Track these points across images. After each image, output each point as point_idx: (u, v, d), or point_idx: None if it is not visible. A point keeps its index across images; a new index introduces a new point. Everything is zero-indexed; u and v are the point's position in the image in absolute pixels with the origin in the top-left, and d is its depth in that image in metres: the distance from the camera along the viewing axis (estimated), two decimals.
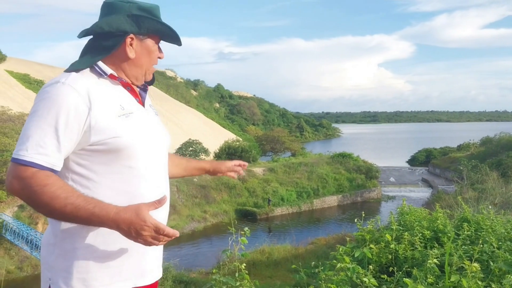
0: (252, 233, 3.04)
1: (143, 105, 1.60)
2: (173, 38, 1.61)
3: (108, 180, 1.41)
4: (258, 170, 37.52)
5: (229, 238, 3.25)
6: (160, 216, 1.48)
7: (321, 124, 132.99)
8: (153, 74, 1.68)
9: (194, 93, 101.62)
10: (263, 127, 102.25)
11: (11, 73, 58.17)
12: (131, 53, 1.52)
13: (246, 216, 31.32)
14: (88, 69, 1.48)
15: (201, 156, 43.76)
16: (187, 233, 27.78)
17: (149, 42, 1.56)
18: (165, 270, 15.57)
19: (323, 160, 41.63)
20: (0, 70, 55.56)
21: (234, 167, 2.12)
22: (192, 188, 31.85)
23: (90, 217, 1.28)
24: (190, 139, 45.48)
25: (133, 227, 1.28)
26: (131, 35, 1.51)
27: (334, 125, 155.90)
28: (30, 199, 1.29)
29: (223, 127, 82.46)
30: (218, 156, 44.94)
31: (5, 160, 23.56)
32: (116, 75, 1.52)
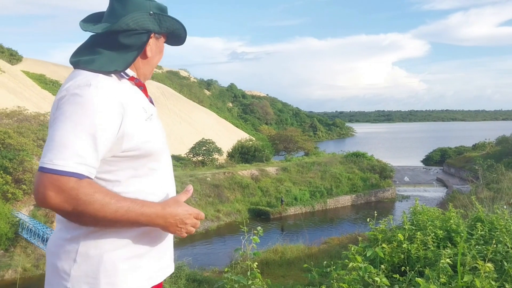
0: (265, 233, 3.05)
1: (152, 103, 1.58)
2: (182, 38, 1.60)
3: (136, 184, 1.40)
4: (271, 169, 37.48)
5: (242, 237, 3.27)
6: None
7: (335, 124, 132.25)
8: None
9: (208, 92, 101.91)
10: (276, 126, 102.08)
11: (27, 73, 59.02)
12: (149, 52, 1.50)
13: (259, 216, 31.34)
14: None
15: (214, 156, 43.89)
16: (201, 232, 27.88)
17: (162, 41, 1.55)
18: (179, 268, 15.67)
19: (337, 159, 41.41)
20: (17, 70, 56.37)
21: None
22: (206, 187, 31.96)
23: (139, 217, 1.29)
24: (203, 138, 45.60)
25: (179, 218, 1.38)
26: (153, 34, 1.48)
27: (348, 124, 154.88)
28: (77, 210, 1.21)
29: (236, 126, 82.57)
30: (232, 155, 45.04)
31: (22, 159, 23.90)
32: (136, 76, 1.49)
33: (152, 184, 1.44)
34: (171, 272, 1.62)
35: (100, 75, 1.36)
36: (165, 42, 1.58)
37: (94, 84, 1.30)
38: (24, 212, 22.62)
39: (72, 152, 1.22)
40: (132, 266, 1.39)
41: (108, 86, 1.33)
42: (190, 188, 1.50)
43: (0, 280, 18.90)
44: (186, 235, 1.44)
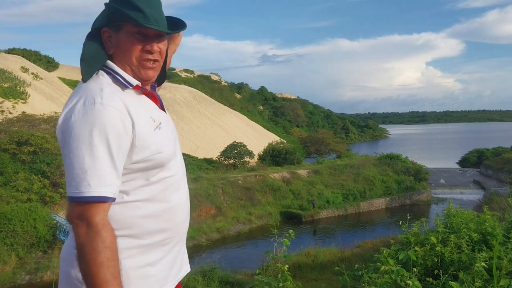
0: (297, 236, 3.05)
1: (163, 109, 1.52)
2: (151, 23, 1.36)
3: (145, 193, 1.37)
4: (303, 172, 37.29)
5: (272, 239, 3.29)
6: (179, 218, 1.48)
7: (367, 125, 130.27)
8: (163, 72, 1.56)
9: (238, 96, 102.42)
10: (307, 128, 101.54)
11: (63, 79, 60.96)
12: (107, 47, 1.41)
13: (291, 219, 31.21)
14: (110, 79, 1.38)
15: (245, 159, 44.07)
16: (233, 234, 28.03)
17: (121, 33, 1.38)
18: (212, 270, 15.79)
19: (370, 161, 40.78)
20: (53, 77, 58.26)
21: None
22: (237, 190, 32.11)
23: None
24: (234, 141, 45.88)
25: None
26: (105, 29, 1.39)
27: (381, 126, 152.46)
28: (84, 247, 1.21)
29: (267, 129, 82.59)
30: (263, 158, 45.10)
31: (59, 163, 24.65)
32: (140, 85, 1.42)
33: (163, 193, 1.41)
34: (187, 272, 1.62)
35: (105, 89, 1.32)
36: (140, 25, 1.35)
37: (98, 101, 1.27)
38: (61, 215, 23.31)
39: (95, 175, 1.21)
40: (144, 274, 1.38)
41: (114, 101, 1.29)
42: None
43: (39, 281, 19.52)
44: None
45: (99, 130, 1.23)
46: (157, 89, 1.60)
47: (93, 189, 1.21)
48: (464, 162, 61.41)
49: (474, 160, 59.31)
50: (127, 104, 1.32)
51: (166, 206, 1.42)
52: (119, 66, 1.41)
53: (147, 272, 1.39)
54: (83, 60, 1.38)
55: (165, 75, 1.64)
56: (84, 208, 1.22)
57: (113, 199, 1.26)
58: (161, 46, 1.44)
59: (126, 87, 1.38)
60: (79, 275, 1.28)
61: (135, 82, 1.40)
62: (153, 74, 1.46)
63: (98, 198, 1.22)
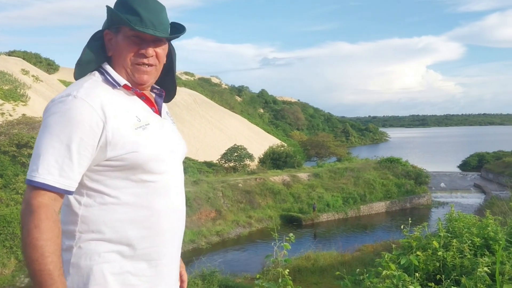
0: (297, 239, 3.03)
1: (159, 113, 1.50)
2: (147, 28, 1.37)
3: (125, 196, 1.34)
4: (303, 175, 37.27)
5: (272, 243, 3.27)
6: (163, 228, 1.42)
7: (368, 129, 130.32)
8: (171, 87, 1.59)
9: (239, 99, 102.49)
10: (307, 132, 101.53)
11: (63, 82, 60.92)
12: (107, 49, 1.44)
13: (291, 222, 31.16)
14: (101, 78, 1.41)
15: (245, 162, 44.05)
16: (233, 238, 27.98)
17: (119, 36, 1.41)
18: (211, 274, 15.76)
19: (370, 165, 40.74)
20: (53, 79, 58.33)
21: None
22: (237, 193, 32.08)
23: (40, 282, 1.19)
24: (235, 144, 45.86)
25: None
26: (106, 31, 1.43)
27: (381, 129, 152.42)
28: (25, 231, 1.21)
29: (268, 132, 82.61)
30: (263, 161, 45.09)
31: None
32: (130, 86, 1.42)
33: (144, 197, 1.36)
34: None
35: (85, 84, 1.35)
36: (136, 29, 1.37)
37: (73, 94, 1.29)
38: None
39: (45, 163, 1.22)
40: (124, 282, 1.34)
41: (88, 96, 1.30)
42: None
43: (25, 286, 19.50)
44: None
45: (64, 121, 1.25)
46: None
47: (40, 175, 1.22)
48: (464, 166, 61.39)
49: (474, 164, 59.30)
50: (105, 100, 1.32)
51: (148, 213, 1.37)
52: (116, 68, 1.43)
53: (128, 280, 1.35)
54: (78, 64, 1.43)
55: (175, 87, 1.64)
56: (29, 191, 1.24)
57: (64, 191, 1.26)
58: (158, 50, 1.44)
59: (115, 86, 1.39)
60: (74, 280, 1.31)
61: (123, 81, 1.40)
62: (148, 79, 1.46)
63: (42, 185, 1.22)
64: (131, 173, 1.34)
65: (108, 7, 1.40)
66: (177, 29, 1.51)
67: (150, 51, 1.41)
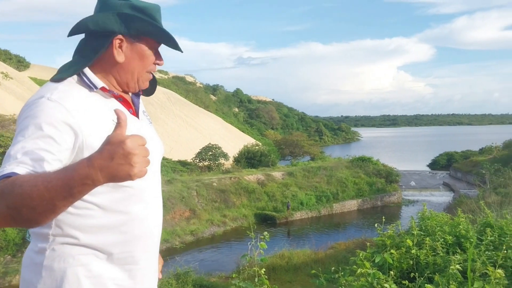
0: (271, 238, 3.03)
1: (136, 115, 1.47)
2: (171, 42, 1.41)
3: (101, 200, 1.29)
4: (277, 174, 37.42)
5: (248, 243, 3.27)
6: (138, 232, 1.38)
7: (340, 128, 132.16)
8: (152, 82, 1.54)
9: (213, 98, 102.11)
10: (282, 131, 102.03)
11: (34, 79, 59.47)
12: (119, 56, 1.36)
13: (265, 221, 31.26)
14: (77, 79, 1.34)
15: (220, 161, 43.93)
16: (207, 237, 27.86)
17: (142, 45, 1.39)
18: (185, 274, 15.65)
19: (343, 164, 41.28)
20: (24, 77, 56.82)
21: None
22: (212, 192, 31.96)
23: (66, 182, 0.99)
24: (209, 143, 45.65)
25: (118, 154, 1.00)
26: (120, 36, 1.35)
27: (354, 129, 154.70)
28: (4, 206, 0.99)
29: (242, 131, 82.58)
30: (238, 160, 45.07)
31: None
32: (108, 88, 1.37)
33: (121, 202, 1.32)
34: None
35: (60, 86, 1.29)
36: (165, 44, 1.42)
37: (47, 96, 1.23)
38: None
39: (12, 158, 1.11)
40: (99, 286, 1.30)
41: (62, 98, 1.24)
42: (120, 113, 1.09)
43: (8, 286, 18.98)
44: (146, 170, 1.05)
45: (37, 123, 1.17)
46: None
47: (10, 166, 1.08)
48: (434, 165, 62.88)
49: (443, 163, 60.84)
50: (80, 103, 1.27)
51: (124, 218, 1.32)
52: (118, 74, 1.40)
53: (103, 284, 1.31)
54: (59, 71, 1.36)
55: (155, 83, 1.62)
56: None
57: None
58: None
59: (91, 89, 1.34)
60: (34, 281, 1.25)
61: (100, 84, 1.35)
62: (148, 84, 1.51)
63: (10, 174, 1.06)
64: None
65: (132, 14, 1.35)
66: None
67: (163, 62, 1.47)
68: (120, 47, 1.37)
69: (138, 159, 1.02)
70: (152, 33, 1.38)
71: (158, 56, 1.45)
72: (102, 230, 1.30)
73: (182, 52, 1.47)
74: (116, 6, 1.35)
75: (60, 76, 1.33)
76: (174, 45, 1.42)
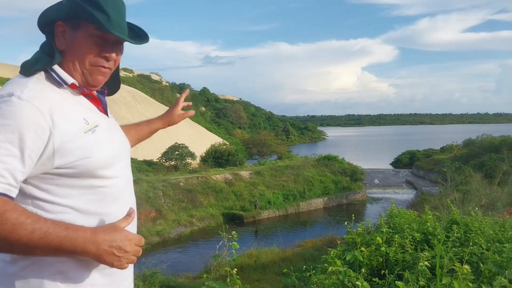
0: (239, 237, 3.02)
1: (105, 112, 1.41)
2: (113, 29, 1.27)
3: (76, 203, 1.23)
4: (245, 173, 37.47)
5: (218, 243, 3.23)
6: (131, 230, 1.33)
7: (307, 127, 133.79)
8: (116, 80, 1.50)
9: None
10: (249, 130, 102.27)
11: None
12: (59, 42, 1.29)
13: (233, 220, 31.24)
14: (45, 76, 1.27)
15: (187, 160, 43.54)
16: (174, 237, 27.59)
17: (80, 32, 1.28)
18: (152, 275, 15.44)
19: (309, 163, 41.80)
20: None
21: (184, 114, 2.02)
22: (179, 192, 31.66)
23: (62, 242, 1.10)
24: (176, 143, 45.19)
25: (116, 245, 1.17)
26: (60, 23, 1.28)
27: (320, 128, 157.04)
28: None
29: (210, 130, 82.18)
30: (205, 160, 44.80)
31: None
32: (77, 85, 1.31)
33: (96, 203, 1.27)
34: None
35: (29, 83, 1.22)
36: (105, 31, 1.27)
37: (17, 94, 1.16)
38: None
39: None
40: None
41: (35, 98, 1.17)
42: (132, 212, 1.31)
43: None
44: (127, 266, 1.22)
45: (7, 125, 1.11)
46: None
47: None
48: (397, 163, 64.52)
49: (406, 161, 62.51)
50: (53, 103, 1.20)
51: (100, 219, 1.27)
52: (67, 65, 1.31)
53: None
54: (23, 66, 1.28)
55: (119, 83, 1.56)
56: None
57: (3, 195, 1.09)
58: (118, 54, 1.36)
59: (61, 85, 1.27)
60: None
61: (70, 80, 1.29)
62: (102, 80, 1.37)
63: None
64: (81, 180, 1.24)
65: (82, 4, 1.25)
66: (137, 34, 1.41)
67: (114, 55, 1.34)
68: (63, 34, 1.29)
69: (128, 258, 1.20)
70: (85, 17, 1.25)
71: (107, 48, 1.31)
72: None
73: (134, 44, 1.36)
74: None
75: (28, 70, 1.26)
76: (120, 34, 1.29)
